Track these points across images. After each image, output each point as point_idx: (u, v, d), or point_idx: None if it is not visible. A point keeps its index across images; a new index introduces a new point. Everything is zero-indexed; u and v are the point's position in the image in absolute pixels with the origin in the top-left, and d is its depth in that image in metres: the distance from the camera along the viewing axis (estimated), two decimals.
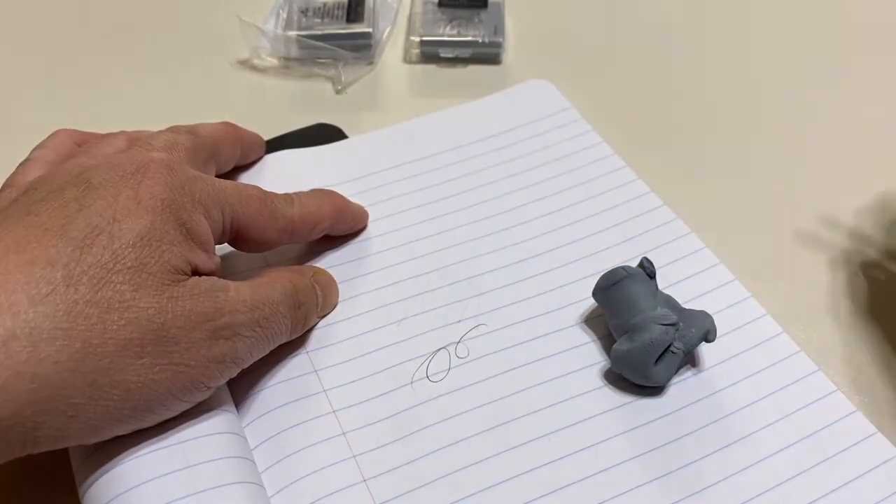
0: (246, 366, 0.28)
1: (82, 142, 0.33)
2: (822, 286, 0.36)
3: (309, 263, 0.36)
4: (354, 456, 0.29)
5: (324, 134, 0.43)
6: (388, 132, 0.42)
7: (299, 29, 0.48)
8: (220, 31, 0.50)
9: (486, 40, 0.48)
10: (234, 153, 0.37)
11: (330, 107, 0.46)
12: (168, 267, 0.26)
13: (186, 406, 0.27)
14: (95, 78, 0.48)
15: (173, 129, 0.33)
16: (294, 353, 0.32)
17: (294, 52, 0.48)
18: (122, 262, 0.25)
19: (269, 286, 0.30)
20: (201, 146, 0.33)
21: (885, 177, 0.41)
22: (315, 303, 0.33)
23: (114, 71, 0.48)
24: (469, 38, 0.48)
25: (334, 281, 0.35)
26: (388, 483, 0.29)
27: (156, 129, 0.44)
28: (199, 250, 0.28)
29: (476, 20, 0.49)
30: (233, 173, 0.39)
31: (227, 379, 0.28)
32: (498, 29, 0.48)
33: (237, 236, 0.31)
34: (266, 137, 0.42)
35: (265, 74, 0.48)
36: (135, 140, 0.32)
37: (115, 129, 0.44)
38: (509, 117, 0.43)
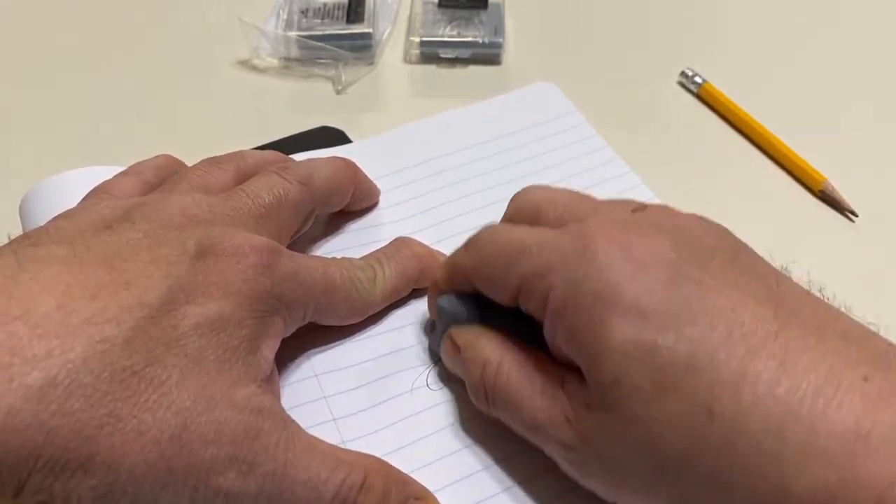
0: None
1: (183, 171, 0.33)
2: None
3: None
4: None
5: (326, 137, 0.43)
6: (391, 135, 0.42)
7: (299, 29, 0.48)
8: (220, 31, 0.50)
9: (486, 41, 0.48)
10: (343, 201, 0.36)
11: (330, 107, 0.46)
12: (224, 366, 0.25)
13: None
14: (95, 78, 0.48)
15: (285, 170, 0.32)
16: (295, 358, 0.32)
17: (294, 52, 0.48)
18: (184, 346, 0.24)
19: (334, 465, 0.26)
20: (309, 200, 0.33)
21: None
22: None
23: (114, 71, 0.48)
24: (469, 39, 0.48)
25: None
26: None
27: (155, 127, 0.44)
28: (265, 362, 0.27)
29: (476, 20, 0.49)
30: None
31: None
32: (498, 29, 0.48)
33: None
34: (266, 138, 0.42)
35: (265, 75, 0.48)
36: (244, 176, 0.32)
37: (115, 129, 0.44)
38: (513, 120, 0.43)
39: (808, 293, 0.25)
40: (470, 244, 0.30)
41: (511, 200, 0.32)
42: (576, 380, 0.25)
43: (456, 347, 0.30)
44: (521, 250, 0.27)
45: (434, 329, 0.32)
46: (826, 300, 0.25)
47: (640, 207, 0.28)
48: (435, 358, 0.32)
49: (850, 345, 0.23)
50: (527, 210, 0.30)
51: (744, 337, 0.22)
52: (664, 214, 0.27)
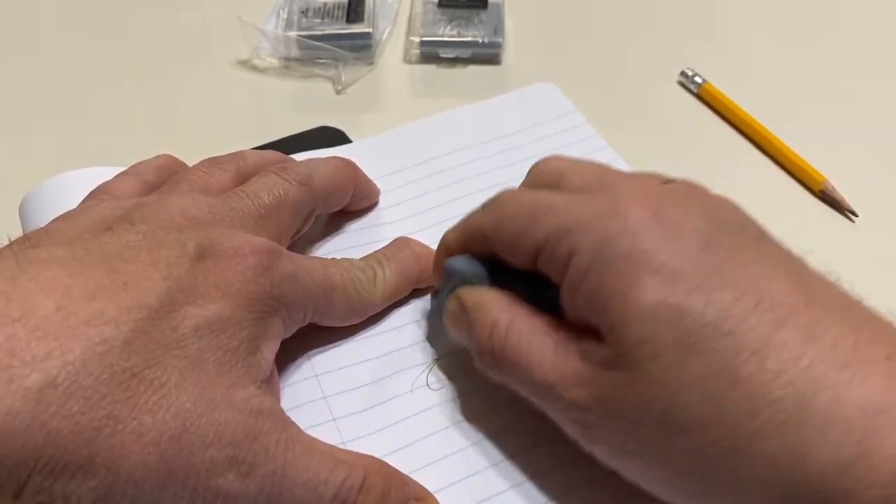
0: None
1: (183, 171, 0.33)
2: None
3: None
4: None
5: (326, 137, 0.43)
6: (391, 135, 0.42)
7: (299, 29, 0.48)
8: (220, 31, 0.50)
9: (486, 40, 0.48)
10: (343, 201, 0.36)
11: (330, 107, 0.46)
12: (224, 367, 0.25)
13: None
14: (95, 78, 0.48)
15: (284, 170, 0.32)
16: (295, 358, 0.32)
17: (294, 52, 0.48)
18: (183, 348, 0.24)
19: (334, 465, 0.26)
20: (308, 201, 0.33)
21: None
22: None
23: (114, 71, 0.48)
24: (469, 39, 0.48)
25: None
26: None
27: (155, 127, 0.44)
28: (265, 363, 0.27)
29: (476, 20, 0.49)
30: None
31: None
32: (498, 29, 0.48)
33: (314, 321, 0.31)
34: (267, 138, 0.42)
35: (265, 75, 0.48)
36: (244, 176, 0.32)
37: (115, 129, 0.44)
38: (514, 120, 0.43)
39: (829, 278, 0.25)
40: (489, 205, 0.30)
41: (531, 169, 0.31)
42: (592, 341, 0.25)
43: (463, 308, 0.29)
44: (548, 208, 0.27)
45: (438, 295, 0.32)
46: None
47: (670, 181, 0.28)
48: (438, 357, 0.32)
49: (873, 325, 0.23)
50: (549, 177, 0.30)
51: (773, 307, 0.23)
52: (693, 188, 0.28)
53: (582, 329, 0.26)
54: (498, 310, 0.28)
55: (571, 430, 0.26)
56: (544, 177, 0.30)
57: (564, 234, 0.26)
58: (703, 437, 0.22)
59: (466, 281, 0.30)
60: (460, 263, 0.30)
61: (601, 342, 0.25)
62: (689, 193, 0.27)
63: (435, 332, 0.33)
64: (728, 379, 0.22)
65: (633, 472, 0.25)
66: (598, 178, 0.28)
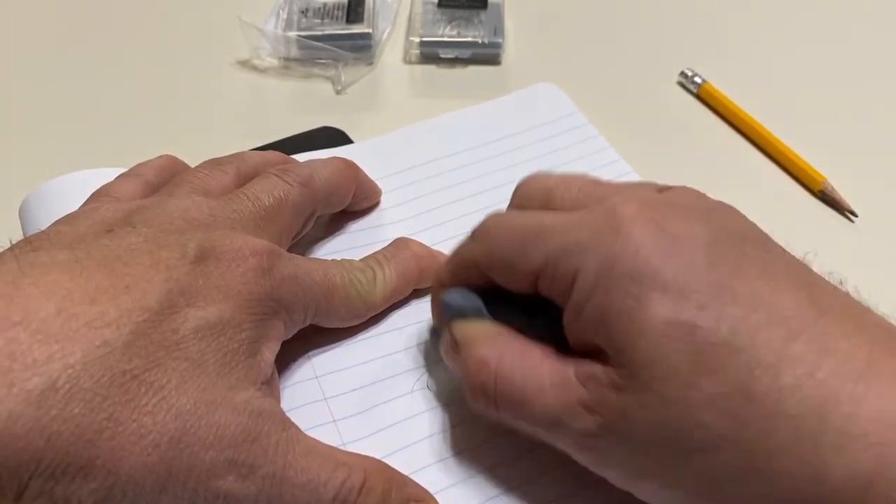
0: None
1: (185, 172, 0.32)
2: None
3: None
4: None
5: (328, 137, 0.43)
6: (393, 136, 0.42)
7: (299, 29, 0.48)
8: (220, 31, 0.50)
9: (486, 41, 0.48)
10: (344, 202, 0.36)
11: (330, 107, 0.46)
12: (224, 369, 0.25)
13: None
14: (95, 78, 0.48)
15: (285, 171, 0.32)
16: (296, 359, 0.32)
17: (294, 52, 0.48)
18: (184, 350, 0.24)
19: (334, 467, 0.26)
20: (309, 202, 0.33)
21: None
22: None
23: (114, 71, 0.48)
24: (469, 39, 0.48)
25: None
26: None
27: (155, 127, 0.44)
28: (265, 365, 0.27)
29: (476, 21, 0.49)
30: None
31: None
32: (498, 29, 0.48)
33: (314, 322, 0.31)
34: (266, 138, 0.42)
35: (265, 75, 0.48)
36: (245, 177, 0.32)
37: (115, 130, 0.44)
38: (516, 121, 0.43)
39: (836, 286, 0.25)
40: (477, 233, 0.29)
41: (517, 188, 0.30)
42: (595, 363, 0.24)
43: (456, 344, 0.28)
44: (541, 230, 0.26)
45: (439, 330, 0.32)
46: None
47: (665, 188, 0.28)
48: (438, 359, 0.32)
49: (885, 334, 0.23)
50: (537, 195, 0.29)
51: (784, 320, 0.22)
52: (691, 196, 0.27)
53: (584, 353, 0.25)
54: (486, 345, 0.27)
55: (581, 458, 0.26)
56: (532, 196, 0.29)
57: (564, 256, 0.25)
58: (720, 456, 0.22)
59: (462, 314, 0.29)
60: (453, 297, 0.29)
61: (606, 365, 0.24)
62: (688, 201, 0.26)
63: (435, 335, 0.33)
64: (743, 397, 0.22)
65: (648, 494, 0.25)
66: (589, 193, 0.28)
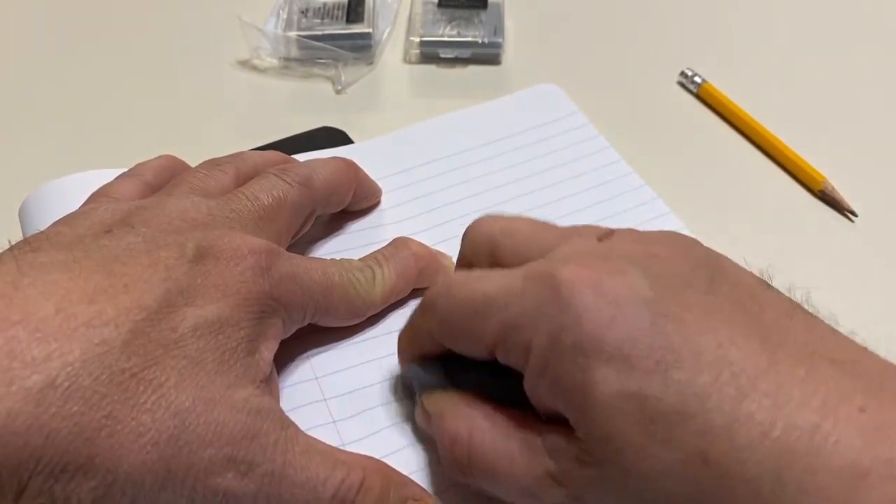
0: None
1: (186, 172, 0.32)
2: None
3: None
4: None
5: (328, 137, 0.43)
6: (394, 136, 0.42)
7: (299, 29, 0.48)
8: (220, 31, 0.50)
9: (486, 41, 0.48)
10: (343, 202, 0.36)
11: (330, 107, 0.46)
12: (223, 367, 0.25)
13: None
14: (95, 79, 0.48)
15: (284, 171, 0.32)
16: (295, 360, 0.32)
17: (294, 52, 0.48)
18: (182, 348, 0.24)
19: (332, 465, 0.26)
20: (308, 202, 0.33)
21: None
22: None
23: (114, 71, 0.49)
24: (469, 39, 0.48)
25: None
26: None
27: (155, 127, 0.44)
28: (263, 363, 0.27)
29: (476, 20, 0.49)
30: None
31: None
32: (498, 29, 0.48)
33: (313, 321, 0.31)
34: (266, 138, 0.42)
35: (265, 75, 0.48)
36: (244, 177, 0.32)
37: (115, 130, 0.44)
38: (516, 122, 0.43)
39: (790, 312, 0.24)
40: (426, 306, 0.29)
41: (464, 235, 0.30)
42: (560, 434, 0.24)
43: (428, 416, 0.28)
44: (487, 304, 0.25)
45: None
46: (810, 313, 0.24)
47: (607, 234, 0.27)
48: None
49: (842, 372, 0.22)
50: (482, 246, 0.29)
51: (733, 376, 0.22)
52: (632, 240, 0.26)
53: (550, 417, 0.25)
54: (455, 419, 0.27)
55: None
56: (477, 250, 0.29)
57: (514, 330, 0.25)
58: None
59: (427, 387, 0.29)
60: (415, 372, 0.29)
61: (570, 435, 0.24)
62: (627, 249, 0.25)
63: None
64: (700, 462, 0.21)
65: None
66: (531, 244, 0.27)
